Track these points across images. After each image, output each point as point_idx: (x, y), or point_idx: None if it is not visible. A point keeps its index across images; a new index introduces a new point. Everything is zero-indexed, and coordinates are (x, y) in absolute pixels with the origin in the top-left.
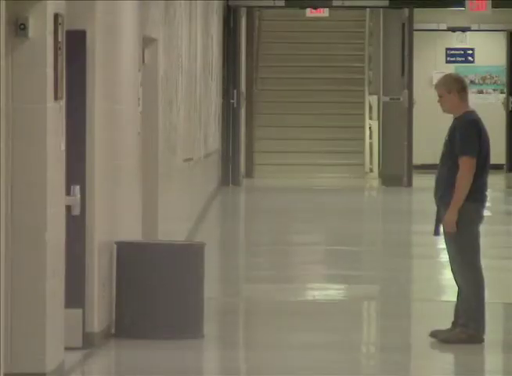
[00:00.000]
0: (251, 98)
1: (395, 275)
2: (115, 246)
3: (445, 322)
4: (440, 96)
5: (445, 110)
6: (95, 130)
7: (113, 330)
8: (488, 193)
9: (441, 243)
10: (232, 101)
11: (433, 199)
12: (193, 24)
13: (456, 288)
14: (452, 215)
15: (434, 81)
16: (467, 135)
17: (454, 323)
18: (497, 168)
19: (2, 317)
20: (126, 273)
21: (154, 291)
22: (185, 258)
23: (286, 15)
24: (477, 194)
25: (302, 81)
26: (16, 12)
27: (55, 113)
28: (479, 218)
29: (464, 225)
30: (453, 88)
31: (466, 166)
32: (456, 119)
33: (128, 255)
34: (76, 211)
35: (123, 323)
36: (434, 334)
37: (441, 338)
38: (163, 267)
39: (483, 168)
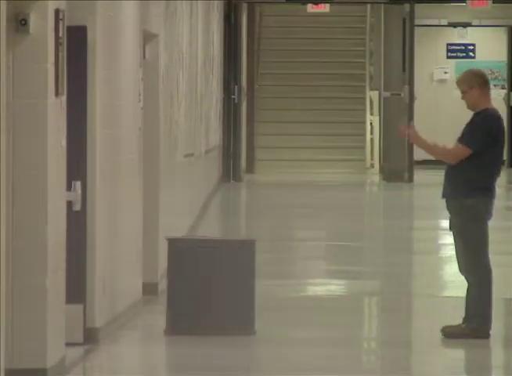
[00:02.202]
0: (252, 93)
1: (396, 270)
2: (167, 242)
3: (447, 317)
4: (463, 93)
5: (469, 107)
6: (95, 126)
7: (164, 327)
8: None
9: (443, 238)
10: (233, 97)
11: (434, 195)
12: (194, 20)
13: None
14: (422, 142)
15: (435, 77)
16: (476, 128)
17: (464, 319)
18: None
19: (3, 313)
20: (177, 270)
21: (206, 287)
22: (237, 255)
23: (287, 10)
24: (486, 190)
25: (303, 76)
26: (17, 7)
27: (56, 109)
28: (487, 214)
29: (472, 221)
30: (475, 84)
31: (458, 151)
32: (476, 114)
33: (180, 252)
34: (77, 207)
35: (174, 319)
36: (443, 329)
37: (446, 332)
38: (214, 263)
39: (494, 165)
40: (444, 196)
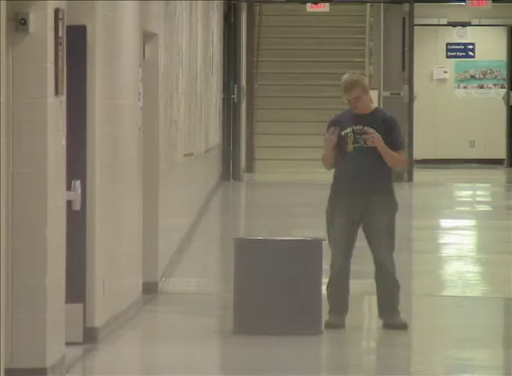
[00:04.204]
0: (252, 93)
1: (396, 270)
2: (233, 243)
3: (446, 316)
4: (356, 98)
5: (360, 109)
6: (95, 125)
7: (231, 326)
8: (488, 187)
9: (442, 238)
10: (232, 96)
11: (434, 194)
12: (194, 19)
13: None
14: (382, 145)
15: (435, 76)
16: (398, 130)
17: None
18: (498, 162)
19: (3, 312)
20: (244, 270)
21: (273, 287)
22: (304, 254)
23: (287, 10)
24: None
25: (303, 75)
26: (17, 7)
27: (55, 109)
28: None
29: (394, 217)
30: (366, 88)
31: (404, 156)
32: (372, 114)
33: (247, 252)
34: (76, 206)
35: (241, 319)
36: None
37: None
38: (282, 263)
39: None
40: (364, 191)
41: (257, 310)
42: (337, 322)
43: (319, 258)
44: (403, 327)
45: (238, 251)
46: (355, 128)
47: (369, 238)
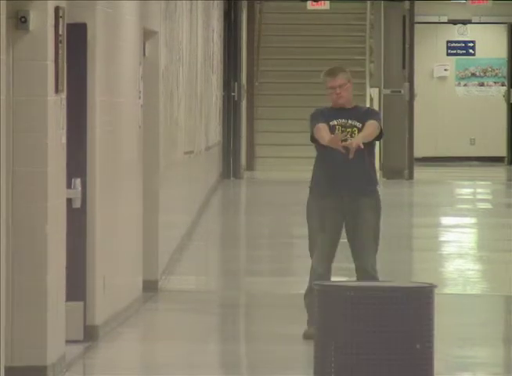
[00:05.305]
0: (252, 91)
1: (396, 267)
2: (317, 290)
3: (446, 314)
4: (340, 86)
5: (343, 101)
6: (95, 123)
7: None
8: (489, 185)
9: (443, 235)
10: (233, 94)
11: (434, 192)
12: (194, 17)
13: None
14: (359, 139)
15: (435, 74)
16: (378, 116)
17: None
18: (498, 160)
19: (3, 310)
20: (330, 323)
21: (365, 343)
22: (408, 305)
23: (287, 8)
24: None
25: (303, 73)
26: (17, 5)
27: (56, 106)
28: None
29: (380, 218)
30: (350, 78)
31: (375, 125)
32: (356, 108)
33: (333, 302)
34: (77, 204)
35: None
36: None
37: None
38: (377, 316)
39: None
40: (351, 192)
41: (353, 371)
42: None
43: (429, 309)
44: None
45: (322, 299)
46: (340, 121)
47: (352, 240)
